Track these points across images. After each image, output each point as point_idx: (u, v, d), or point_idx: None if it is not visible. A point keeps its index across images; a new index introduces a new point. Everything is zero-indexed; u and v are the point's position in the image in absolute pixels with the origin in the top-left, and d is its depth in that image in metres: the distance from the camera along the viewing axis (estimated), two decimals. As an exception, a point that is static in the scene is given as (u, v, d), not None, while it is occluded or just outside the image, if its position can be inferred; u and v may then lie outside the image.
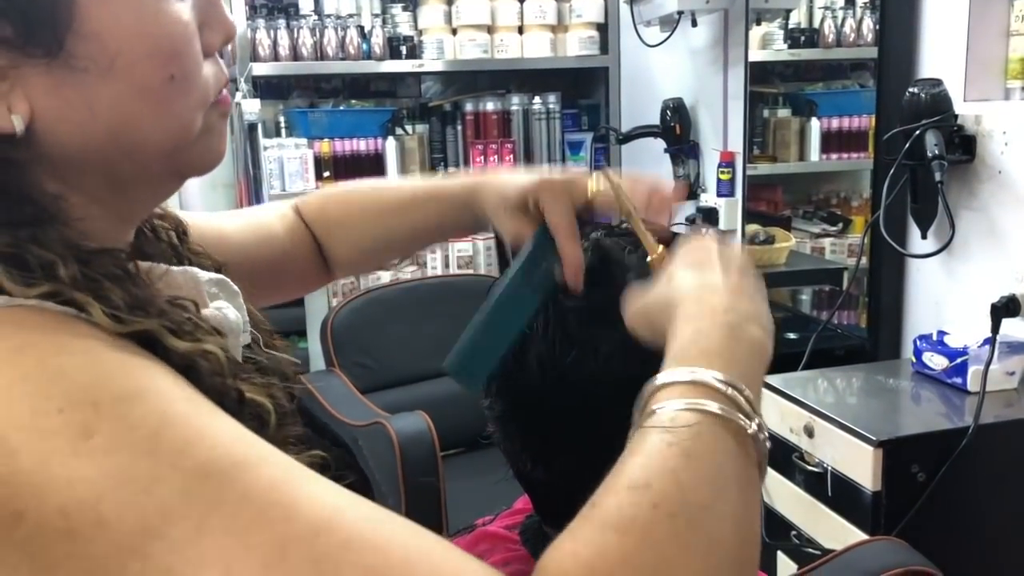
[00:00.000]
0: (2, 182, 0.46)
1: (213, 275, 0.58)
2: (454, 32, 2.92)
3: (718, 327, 0.52)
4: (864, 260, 1.96)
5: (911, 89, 1.68)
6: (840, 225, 2.43)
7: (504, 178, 0.76)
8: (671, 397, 0.48)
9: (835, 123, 2.40)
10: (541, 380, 0.68)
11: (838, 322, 2.20)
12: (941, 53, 1.76)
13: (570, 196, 0.70)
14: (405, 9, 2.94)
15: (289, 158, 2.76)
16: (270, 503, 0.40)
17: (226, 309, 0.56)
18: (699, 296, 0.54)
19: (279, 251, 0.85)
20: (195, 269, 0.57)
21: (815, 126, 2.43)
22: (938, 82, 1.67)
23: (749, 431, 0.48)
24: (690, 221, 2.59)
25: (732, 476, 0.47)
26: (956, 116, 1.67)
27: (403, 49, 2.88)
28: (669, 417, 0.47)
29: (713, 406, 0.47)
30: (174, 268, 0.55)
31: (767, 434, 0.49)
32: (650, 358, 0.65)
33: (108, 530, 0.38)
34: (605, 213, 0.71)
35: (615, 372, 0.65)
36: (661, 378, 0.50)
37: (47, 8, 0.45)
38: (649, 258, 0.65)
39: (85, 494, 0.38)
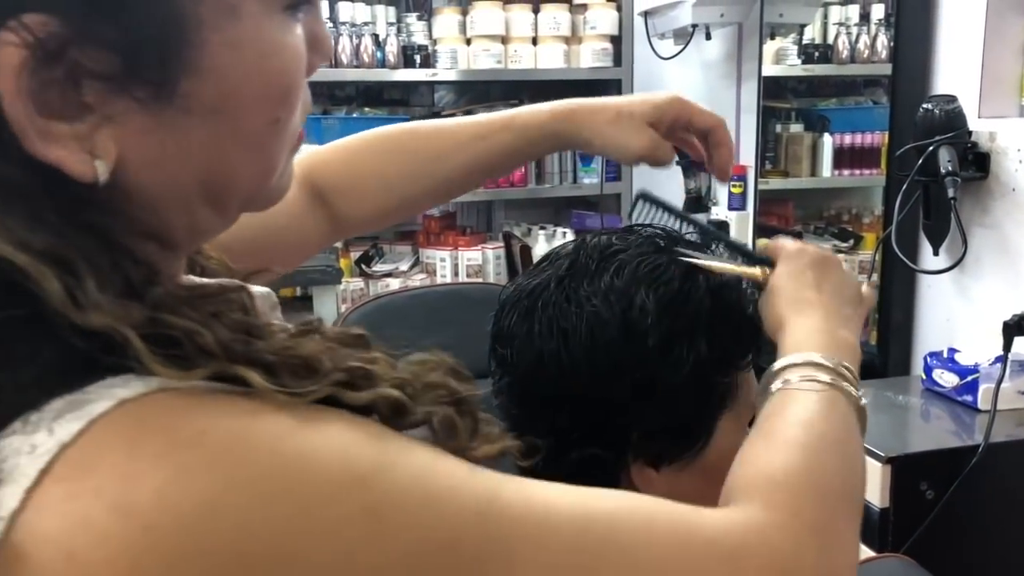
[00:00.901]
0: (103, 236, 0.39)
1: (261, 289, 0.53)
2: (468, 42, 2.93)
3: (821, 333, 0.64)
4: (875, 277, 1.95)
5: (925, 105, 1.68)
6: (851, 241, 2.42)
7: (606, 99, 0.82)
8: (803, 372, 0.61)
9: (847, 139, 2.40)
10: (545, 372, 0.68)
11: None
12: (956, 69, 1.76)
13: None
14: (420, 18, 2.95)
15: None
16: (540, 513, 0.43)
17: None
18: (802, 309, 0.67)
19: (273, 228, 0.78)
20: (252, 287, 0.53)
21: (827, 142, 2.42)
22: (952, 98, 1.66)
23: (861, 402, 0.62)
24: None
25: (855, 429, 0.61)
26: (970, 133, 1.66)
27: (417, 58, 2.89)
28: (805, 384, 0.60)
29: (836, 379, 0.60)
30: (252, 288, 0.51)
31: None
32: (646, 348, 0.65)
33: None
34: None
35: (605, 360, 0.66)
36: (792, 359, 0.62)
37: (168, 42, 0.39)
38: (756, 280, 0.71)
39: (399, 569, 0.37)
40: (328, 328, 0.46)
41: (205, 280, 0.50)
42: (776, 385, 0.61)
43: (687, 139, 0.83)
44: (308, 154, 0.83)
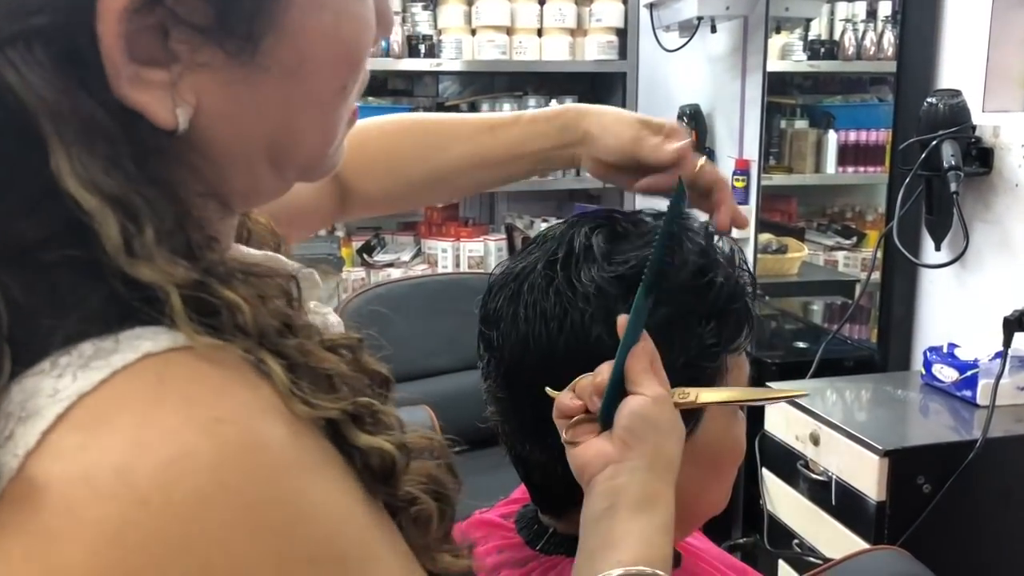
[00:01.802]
0: (172, 191, 0.40)
1: (305, 270, 0.53)
2: (473, 32, 2.92)
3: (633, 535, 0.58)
4: (877, 274, 1.95)
5: (929, 99, 1.67)
6: (854, 239, 2.42)
7: (617, 108, 0.82)
8: None
9: (852, 136, 2.39)
10: (531, 355, 0.68)
11: (849, 334, 2.18)
12: (960, 64, 1.75)
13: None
14: (425, 8, 2.95)
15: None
16: None
17: (327, 314, 0.53)
18: (613, 514, 0.60)
19: (293, 196, 0.81)
20: (288, 263, 0.51)
21: (832, 139, 2.42)
22: (956, 93, 1.66)
23: None
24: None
25: None
26: (974, 127, 1.66)
27: (422, 48, 2.88)
28: None
29: None
30: (293, 265, 0.51)
31: None
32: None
33: None
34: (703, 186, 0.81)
35: (601, 349, 0.65)
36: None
37: (258, 0, 0.40)
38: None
39: None
40: (361, 351, 0.46)
41: (255, 254, 0.51)
42: None
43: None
44: None
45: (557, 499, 0.72)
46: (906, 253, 1.72)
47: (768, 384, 1.71)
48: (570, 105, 0.83)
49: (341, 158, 0.50)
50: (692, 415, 0.68)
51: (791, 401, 1.62)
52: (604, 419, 0.61)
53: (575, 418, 0.62)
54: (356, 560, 0.39)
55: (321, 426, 0.40)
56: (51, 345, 0.36)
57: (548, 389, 0.64)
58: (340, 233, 2.96)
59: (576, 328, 0.66)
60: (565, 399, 0.63)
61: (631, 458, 0.59)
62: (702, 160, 0.81)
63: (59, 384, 0.35)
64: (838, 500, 1.49)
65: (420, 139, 0.83)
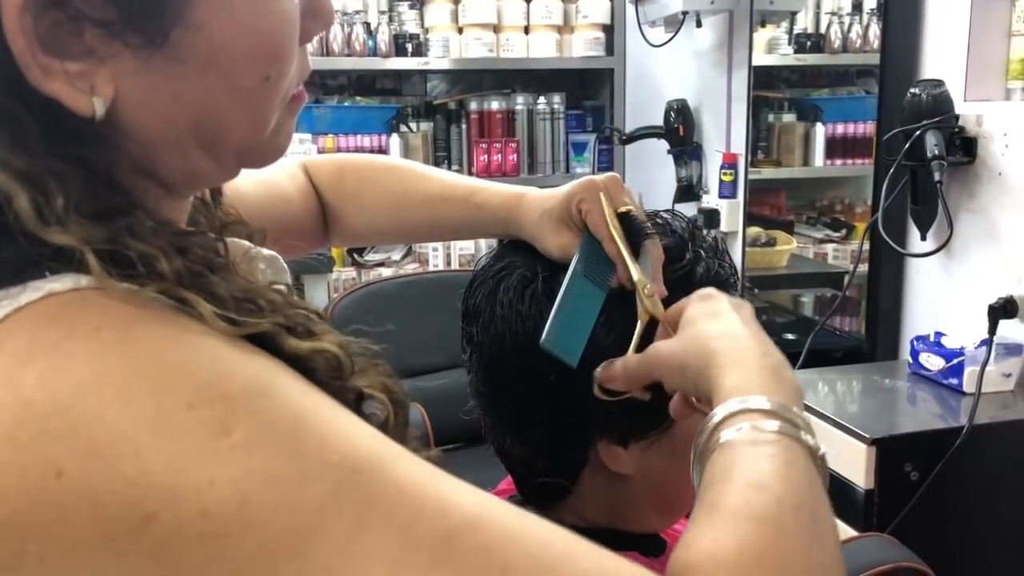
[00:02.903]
0: (87, 166, 0.42)
1: (267, 252, 0.55)
2: (460, 31, 2.92)
3: (763, 371, 0.54)
4: (865, 266, 1.96)
5: (912, 90, 1.68)
6: (843, 231, 2.43)
7: (545, 192, 0.77)
8: (748, 421, 0.50)
9: (840, 129, 2.40)
10: (508, 352, 0.68)
11: (839, 326, 2.19)
12: (943, 54, 1.76)
13: (610, 198, 0.71)
14: (412, 7, 2.95)
15: (293, 153, 2.75)
16: (424, 497, 0.39)
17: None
18: (733, 344, 0.56)
19: (290, 213, 0.83)
20: (248, 244, 0.54)
21: (820, 132, 2.43)
22: (939, 83, 1.67)
23: (820, 452, 0.51)
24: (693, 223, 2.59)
25: (820, 488, 0.50)
26: (957, 117, 1.67)
27: (409, 47, 2.88)
28: (751, 437, 0.49)
29: (789, 428, 0.50)
30: (242, 243, 0.53)
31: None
32: (617, 333, 0.66)
33: (258, 531, 0.36)
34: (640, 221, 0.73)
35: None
36: (731, 406, 0.51)
37: None
38: (643, 298, 0.66)
39: (230, 495, 0.36)
40: (291, 294, 0.48)
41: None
42: (718, 440, 0.50)
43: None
44: (305, 157, 0.88)
45: (540, 491, 0.73)
46: (891, 243, 1.73)
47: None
48: (514, 197, 0.78)
49: (286, 143, 0.51)
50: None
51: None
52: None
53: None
54: (253, 392, 0.39)
55: (256, 346, 0.42)
56: None
57: (595, 389, 0.64)
58: (330, 233, 2.96)
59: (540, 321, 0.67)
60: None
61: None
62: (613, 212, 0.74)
63: None
64: (827, 489, 1.49)
65: (383, 191, 0.85)
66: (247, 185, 0.79)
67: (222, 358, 0.40)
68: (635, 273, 0.66)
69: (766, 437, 0.49)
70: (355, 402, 0.45)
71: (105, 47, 0.41)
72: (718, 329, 0.57)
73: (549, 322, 0.65)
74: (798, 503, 0.47)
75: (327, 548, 0.36)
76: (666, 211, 0.75)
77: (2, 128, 0.40)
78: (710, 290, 0.61)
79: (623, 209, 0.70)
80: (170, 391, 0.37)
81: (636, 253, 0.68)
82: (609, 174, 0.74)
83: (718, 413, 0.51)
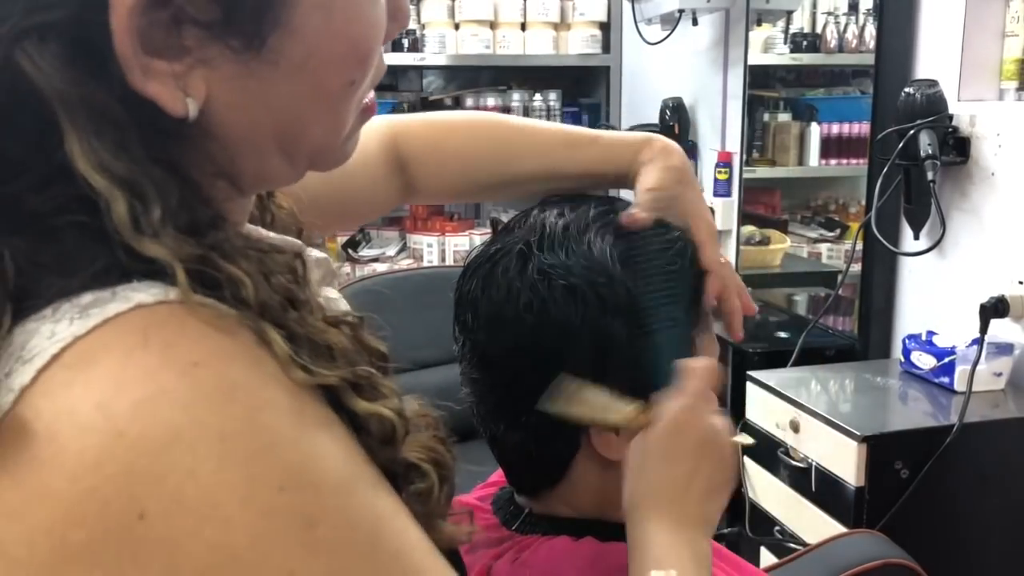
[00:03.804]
0: (181, 174, 0.42)
1: (317, 254, 0.55)
2: (456, 27, 2.92)
3: (682, 544, 0.62)
4: (858, 266, 1.97)
5: (906, 89, 1.69)
6: (837, 231, 2.43)
7: (681, 158, 0.78)
8: None
9: (835, 129, 2.41)
10: (502, 335, 0.69)
11: (832, 326, 2.20)
12: (937, 54, 1.77)
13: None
14: (409, 2, 2.94)
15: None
16: None
17: (338, 300, 0.54)
18: (669, 506, 0.63)
19: (349, 187, 0.80)
20: (299, 245, 0.52)
21: (815, 131, 2.43)
22: (933, 83, 1.67)
23: None
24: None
25: None
26: (951, 117, 1.67)
27: (405, 42, 2.88)
28: None
29: None
30: (294, 243, 0.52)
31: None
32: (608, 321, 0.66)
33: None
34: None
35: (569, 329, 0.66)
36: None
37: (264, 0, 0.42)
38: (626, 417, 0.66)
39: None
40: (361, 329, 0.48)
41: (268, 234, 0.52)
42: None
43: None
44: (397, 121, 0.85)
45: (531, 480, 0.73)
46: (884, 242, 1.74)
47: (749, 373, 1.73)
48: (648, 137, 0.80)
49: (352, 150, 0.52)
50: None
51: (772, 390, 1.64)
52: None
53: None
54: (337, 488, 0.39)
55: (322, 395, 0.42)
56: (55, 297, 0.38)
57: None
58: (325, 228, 2.95)
59: (545, 309, 0.67)
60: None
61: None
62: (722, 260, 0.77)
63: (57, 328, 0.37)
64: (817, 486, 1.50)
65: (498, 147, 0.83)
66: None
67: (309, 437, 0.40)
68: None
69: None
70: (403, 472, 0.46)
71: (203, 48, 0.41)
72: (664, 481, 0.64)
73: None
74: None
75: None
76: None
77: (106, 132, 0.40)
78: (684, 413, 0.65)
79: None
80: (262, 465, 0.37)
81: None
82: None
83: None
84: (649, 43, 2.69)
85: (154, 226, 0.40)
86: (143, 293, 0.39)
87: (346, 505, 0.39)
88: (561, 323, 0.66)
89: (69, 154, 0.39)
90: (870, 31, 2.16)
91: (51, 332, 0.37)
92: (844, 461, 1.43)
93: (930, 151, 1.62)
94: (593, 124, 3.12)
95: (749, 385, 1.71)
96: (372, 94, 0.51)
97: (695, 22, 2.52)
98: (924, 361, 1.61)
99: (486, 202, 3.20)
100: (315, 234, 0.61)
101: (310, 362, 0.41)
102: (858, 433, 1.40)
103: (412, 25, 2.92)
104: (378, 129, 0.83)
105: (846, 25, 2.31)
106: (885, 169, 1.71)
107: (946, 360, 1.56)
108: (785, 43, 2.52)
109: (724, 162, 2.55)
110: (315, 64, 0.44)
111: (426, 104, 3.09)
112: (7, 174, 0.40)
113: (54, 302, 0.38)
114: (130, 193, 0.39)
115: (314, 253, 0.55)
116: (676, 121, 2.72)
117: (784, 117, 2.54)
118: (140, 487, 0.35)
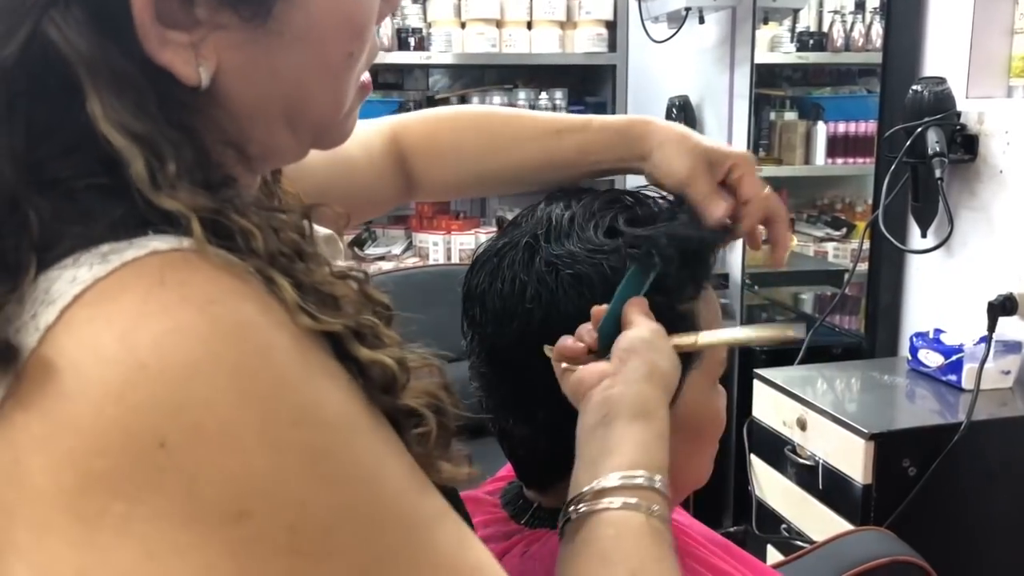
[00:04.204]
0: (197, 141, 0.45)
1: (324, 231, 0.56)
2: (463, 25, 2.92)
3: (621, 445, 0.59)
4: (865, 265, 1.96)
5: (914, 87, 1.68)
6: (844, 230, 2.43)
7: (685, 128, 0.79)
8: (610, 496, 0.56)
9: (841, 128, 2.40)
10: (510, 328, 0.69)
11: (839, 324, 2.20)
12: (945, 52, 1.76)
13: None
14: (414, 1, 2.95)
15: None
16: (464, 559, 0.44)
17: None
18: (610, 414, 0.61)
19: (355, 184, 0.83)
20: (314, 211, 0.56)
21: (821, 130, 2.43)
22: (941, 80, 1.67)
23: (654, 510, 0.56)
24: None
25: (660, 546, 0.56)
26: (959, 114, 1.67)
27: (411, 41, 2.88)
28: (614, 514, 0.56)
29: (631, 501, 0.56)
30: (318, 229, 0.54)
31: (666, 511, 0.58)
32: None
33: (333, 562, 0.38)
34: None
35: (578, 321, 0.66)
36: (597, 483, 0.57)
37: None
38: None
39: (317, 521, 0.38)
40: (367, 283, 0.50)
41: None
42: (570, 519, 0.58)
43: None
44: (397, 119, 0.88)
45: (541, 473, 0.73)
46: (892, 239, 1.73)
47: (756, 371, 1.73)
48: (641, 119, 0.80)
49: (352, 127, 0.54)
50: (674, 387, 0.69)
51: (779, 387, 1.63)
52: (603, 348, 0.64)
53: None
54: (342, 427, 0.41)
55: (326, 343, 0.44)
56: (76, 248, 0.41)
57: (546, 347, 0.66)
58: (331, 226, 2.96)
59: (553, 300, 0.67)
60: (566, 341, 0.65)
61: (627, 370, 0.61)
62: (767, 190, 0.78)
63: (78, 273, 0.40)
64: (825, 484, 1.50)
65: (490, 137, 0.85)
66: (314, 159, 0.80)
67: (315, 379, 0.41)
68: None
69: (609, 516, 0.56)
70: (403, 417, 0.47)
71: (214, 18, 0.44)
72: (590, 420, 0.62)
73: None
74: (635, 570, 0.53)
75: None
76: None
77: (127, 94, 0.42)
78: (630, 347, 0.63)
79: None
80: (276, 401, 0.39)
81: None
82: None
83: (594, 484, 0.57)
84: (656, 41, 2.69)
85: (170, 180, 0.42)
86: (158, 241, 0.41)
87: (351, 443, 0.41)
88: (569, 314, 0.66)
89: (91, 115, 0.41)
90: (877, 29, 2.15)
91: (73, 277, 0.39)
92: (851, 459, 1.43)
93: (938, 149, 1.62)
94: (599, 123, 3.11)
95: (756, 383, 1.71)
96: (367, 74, 0.54)
97: (702, 20, 2.51)
98: (932, 359, 1.60)
99: (490, 198, 3.20)
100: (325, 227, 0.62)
101: (316, 310, 0.43)
102: (865, 431, 1.40)
103: (418, 24, 2.92)
104: (381, 127, 0.85)
105: (853, 23, 2.31)
106: (892, 167, 1.71)
107: (954, 358, 1.56)
108: (792, 42, 2.51)
109: (730, 160, 2.54)
110: (316, 35, 0.47)
111: (432, 103, 3.09)
112: (35, 140, 0.42)
113: (75, 252, 0.40)
114: (148, 150, 0.42)
115: (321, 231, 0.57)
116: (682, 120, 2.72)
117: (790, 116, 2.53)
118: (161, 417, 0.36)
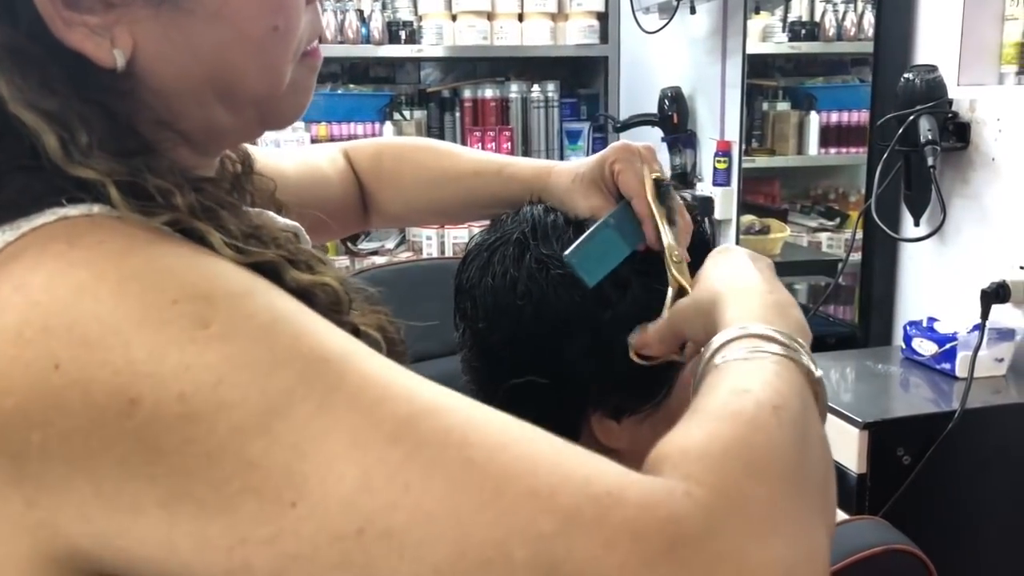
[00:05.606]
0: (109, 113, 0.46)
1: (288, 222, 0.57)
2: (454, 18, 2.91)
3: (766, 305, 0.55)
4: (857, 255, 1.96)
5: (906, 75, 1.68)
6: (837, 220, 2.42)
7: (578, 159, 0.79)
8: (745, 345, 0.51)
9: (834, 117, 2.40)
10: (501, 322, 0.68)
11: (832, 313, 2.20)
12: (937, 39, 1.76)
13: (645, 163, 0.72)
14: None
15: (286, 141, 2.76)
16: (389, 385, 0.41)
17: None
18: (740, 285, 0.58)
19: (329, 196, 0.85)
20: (271, 214, 0.56)
21: (814, 120, 2.42)
22: (933, 68, 1.66)
23: (817, 374, 0.51)
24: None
25: (810, 401, 0.49)
26: (950, 102, 1.67)
27: (402, 34, 2.87)
28: (745, 356, 0.50)
29: (786, 351, 0.50)
30: (256, 210, 0.55)
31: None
32: (610, 312, 0.66)
33: (230, 412, 0.38)
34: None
35: (568, 316, 0.66)
36: (730, 333, 0.52)
37: None
38: (672, 264, 0.66)
39: (204, 378, 0.38)
40: (301, 237, 0.52)
41: (248, 211, 0.55)
42: (714, 363, 0.51)
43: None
44: (348, 144, 0.91)
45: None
46: (884, 228, 1.73)
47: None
48: (543, 168, 0.79)
49: (305, 102, 0.55)
50: (665, 381, 0.69)
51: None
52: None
53: None
54: (225, 294, 0.41)
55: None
56: None
57: (632, 352, 0.65)
58: (324, 221, 2.95)
59: (544, 298, 0.67)
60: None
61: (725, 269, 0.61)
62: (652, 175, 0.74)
63: None
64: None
65: (421, 171, 0.87)
66: (291, 166, 0.81)
67: (213, 266, 0.43)
68: (666, 238, 0.66)
69: (760, 356, 0.49)
70: (353, 335, 0.47)
71: (125, 2, 0.45)
72: (727, 273, 0.60)
73: (577, 242, 0.66)
74: (778, 404, 0.45)
75: (293, 426, 0.38)
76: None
77: (30, 73, 0.44)
78: (728, 245, 0.63)
79: (655, 175, 0.71)
80: (158, 289, 0.40)
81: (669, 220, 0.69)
82: (644, 143, 0.74)
83: (716, 340, 0.52)
84: (647, 32, 2.68)
85: (82, 150, 0.44)
86: (69, 208, 0.43)
87: (242, 305, 0.41)
88: (559, 311, 0.66)
89: (2, 98, 0.43)
90: (868, 19, 2.15)
91: None
92: (846, 448, 1.42)
93: (930, 137, 1.61)
94: (592, 114, 3.11)
95: (750, 373, 1.70)
96: (317, 42, 0.54)
97: (693, 11, 2.51)
98: (925, 348, 1.60)
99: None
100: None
101: (243, 243, 0.45)
102: (860, 420, 1.40)
103: (409, 17, 2.91)
104: (340, 147, 0.89)
105: (844, 13, 2.30)
106: (885, 155, 1.70)
107: (947, 346, 1.55)
108: (783, 31, 2.51)
109: (723, 151, 2.54)
110: (230, 11, 0.47)
111: (424, 96, 3.08)
112: None
113: None
114: (58, 125, 0.43)
115: (282, 221, 0.57)
116: (675, 111, 2.72)
117: (783, 106, 2.53)
118: (53, 342, 0.38)
